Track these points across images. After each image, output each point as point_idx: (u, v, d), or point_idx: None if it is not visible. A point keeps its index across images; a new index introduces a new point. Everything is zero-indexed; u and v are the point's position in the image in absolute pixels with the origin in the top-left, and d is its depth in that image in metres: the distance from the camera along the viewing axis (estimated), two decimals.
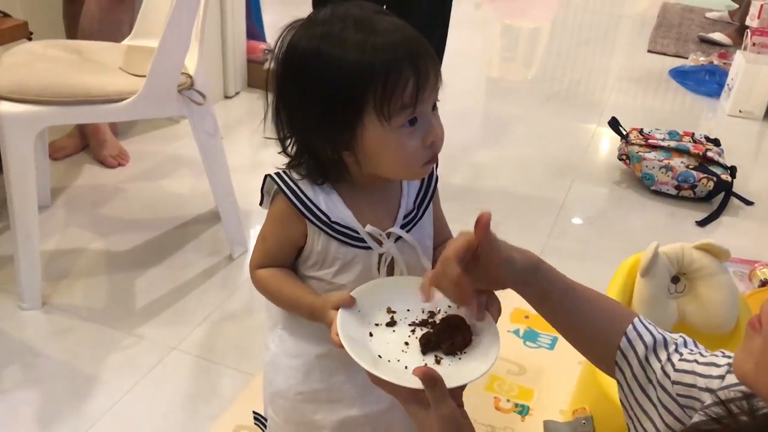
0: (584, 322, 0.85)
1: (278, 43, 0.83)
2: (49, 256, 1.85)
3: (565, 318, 0.86)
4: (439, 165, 0.95)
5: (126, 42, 1.89)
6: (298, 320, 0.93)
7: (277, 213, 0.89)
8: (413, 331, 0.83)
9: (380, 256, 0.89)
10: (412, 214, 0.92)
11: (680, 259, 1.36)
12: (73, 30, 2.22)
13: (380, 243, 0.89)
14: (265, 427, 1.06)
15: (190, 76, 1.67)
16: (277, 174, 0.88)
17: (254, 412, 1.10)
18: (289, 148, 0.88)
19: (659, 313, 1.35)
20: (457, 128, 2.84)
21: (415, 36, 0.82)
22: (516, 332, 1.69)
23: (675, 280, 1.38)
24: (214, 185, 1.79)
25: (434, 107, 0.85)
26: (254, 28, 3.00)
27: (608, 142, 2.69)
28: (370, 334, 0.82)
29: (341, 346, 0.77)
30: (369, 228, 0.88)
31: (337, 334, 0.78)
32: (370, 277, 0.90)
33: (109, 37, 1.95)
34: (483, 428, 1.42)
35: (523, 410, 1.48)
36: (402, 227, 0.91)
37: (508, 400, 1.51)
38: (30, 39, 1.98)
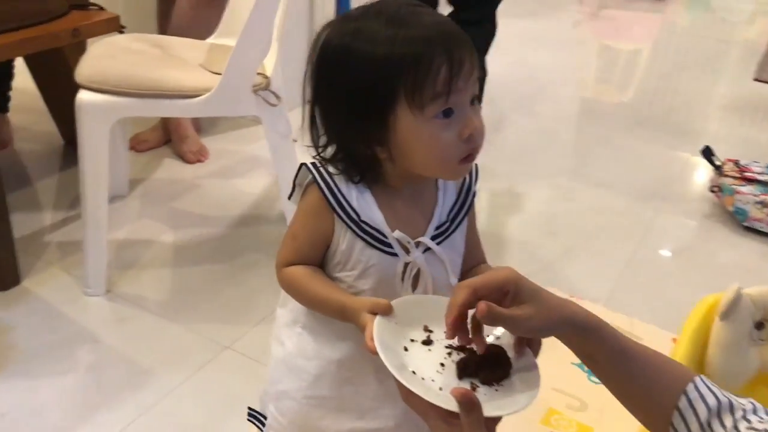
0: (636, 380, 0.77)
1: (314, 41, 0.81)
2: (119, 244, 1.89)
3: (614, 378, 0.79)
4: (478, 179, 0.92)
5: (210, 40, 1.91)
6: (320, 321, 0.90)
7: (308, 205, 0.86)
8: (450, 353, 0.79)
9: (406, 265, 0.86)
10: (445, 226, 0.89)
11: (767, 303, 1.24)
12: (165, 26, 2.27)
13: (407, 251, 0.85)
14: (263, 425, 1.02)
15: (267, 77, 1.66)
16: (313, 164, 0.86)
17: (249, 408, 1.07)
18: (324, 150, 0.86)
19: (738, 360, 1.24)
20: (543, 147, 2.76)
21: (450, 26, 0.79)
22: (581, 366, 1.59)
23: (759, 326, 1.27)
24: (282, 187, 1.78)
25: (474, 101, 0.81)
26: None
27: (701, 173, 2.54)
28: (405, 348, 0.78)
29: (375, 353, 0.73)
30: (398, 234, 0.84)
31: (372, 339, 0.74)
32: (392, 285, 0.86)
33: (198, 35, 1.98)
34: None
35: None
36: (432, 239, 0.87)
37: (558, 415, 1.42)
38: (122, 32, 2.03)
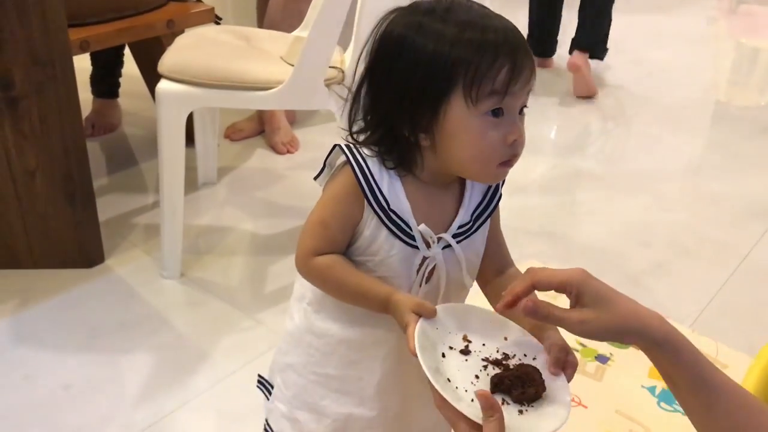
0: (717, 415, 0.71)
1: (377, 25, 0.81)
2: (200, 230, 1.95)
3: (694, 409, 0.74)
4: (504, 183, 0.90)
5: (295, 33, 1.93)
6: (325, 300, 0.90)
7: (340, 188, 0.84)
8: (485, 366, 0.79)
9: (424, 259, 0.85)
10: (467, 226, 0.88)
11: None
12: (263, 19, 2.32)
13: (428, 246, 0.85)
14: (270, 394, 1.02)
15: (342, 71, 1.66)
16: (347, 145, 0.84)
17: (259, 375, 1.06)
18: (360, 133, 0.84)
19: None
20: (650, 151, 2.60)
21: (518, 35, 0.79)
22: (651, 390, 1.48)
23: None
24: None
25: (522, 111, 0.81)
26: None
27: None
28: (443, 355, 0.78)
29: (414, 354, 0.74)
30: (423, 227, 0.84)
31: (413, 340, 0.75)
32: (407, 276, 0.86)
33: (291, 27, 2.01)
34: None
35: None
36: (453, 237, 0.86)
37: None
38: (218, 23, 2.09)
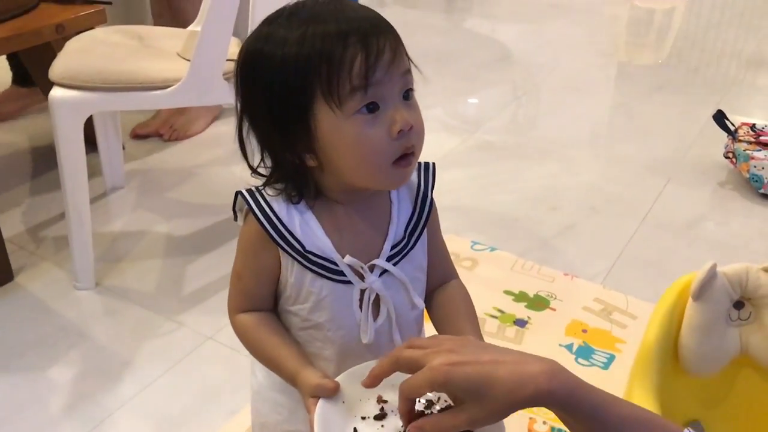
0: None
1: (240, 48, 0.78)
2: (114, 237, 1.91)
3: None
4: (434, 186, 0.85)
5: (191, 27, 1.90)
6: None
7: (249, 238, 0.80)
8: (405, 428, 0.72)
9: (363, 292, 0.80)
10: (402, 244, 0.82)
11: (743, 282, 1.17)
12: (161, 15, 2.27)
13: (362, 277, 0.80)
14: None
15: None
16: (249, 191, 0.80)
17: None
18: (256, 162, 0.80)
19: (715, 343, 1.17)
20: (554, 118, 2.68)
21: (370, 18, 0.73)
22: (569, 347, 1.54)
23: (738, 305, 1.20)
24: None
25: (408, 95, 0.75)
26: None
27: (718, 138, 2.42)
28: (355, 430, 0.73)
29: None
30: (349, 259, 0.78)
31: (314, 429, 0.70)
32: (350, 314, 0.80)
33: (178, 23, 1.99)
34: None
35: None
36: (389, 259, 0.81)
37: (544, 422, 1.37)
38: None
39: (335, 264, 0.79)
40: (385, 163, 0.73)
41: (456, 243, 1.84)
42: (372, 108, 0.72)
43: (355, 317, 0.81)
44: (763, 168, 2.06)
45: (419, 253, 0.84)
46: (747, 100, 2.86)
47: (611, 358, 1.51)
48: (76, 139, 1.56)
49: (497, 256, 1.82)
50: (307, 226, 0.78)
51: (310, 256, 0.78)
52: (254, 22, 1.60)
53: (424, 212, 0.84)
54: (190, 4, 2.01)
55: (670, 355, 1.20)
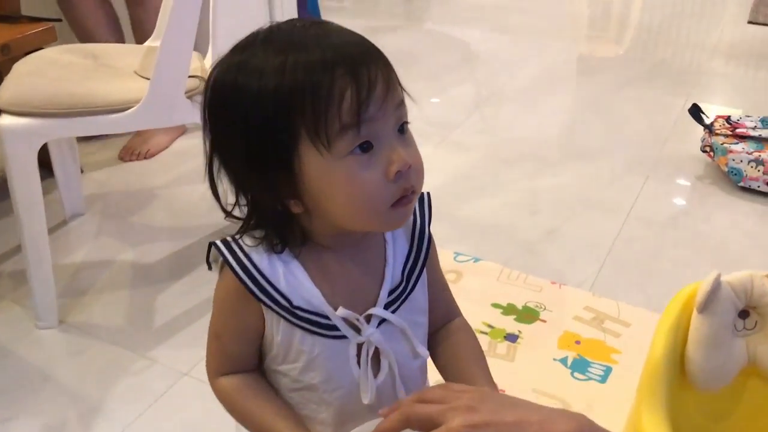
0: None
1: (206, 81, 0.68)
2: (76, 268, 1.80)
3: None
4: (432, 217, 0.77)
5: (148, 43, 1.80)
6: None
7: (226, 294, 0.71)
8: None
9: (360, 345, 0.72)
10: (400, 288, 0.74)
11: (748, 291, 1.12)
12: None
13: (359, 330, 0.71)
14: None
15: (204, 80, 1.55)
16: (224, 241, 0.71)
17: None
18: (233, 206, 0.71)
19: (723, 356, 1.12)
20: (525, 117, 2.62)
21: (358, 44, 0.65)
22: (563, 361, 1.48)
23: (743, 314, 1.15)
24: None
25: (403, 128, 0.66)
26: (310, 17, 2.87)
27: (693, 131, 2.40)
28: None
29: None
30: (342, 312, 0.69)
31: None
32: (347, 372, 0.72)
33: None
34: None
35: None
36: (387, 306, 0.73)
37: None
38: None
39: (327, 318, 0.70)
40: (383, 208, 0.65)
41: (438, 255, 1.77)
42: (366, 147, 0.63)
43: (353, 375, 0.73)
44: (741, 161, 2.03)
45: (419, 295, 0.76)
46: (716, 89, 2.85)
47: (608, 371, 1.45)
48: (29, 170, 1.45)
49: (482, 267, 1.76)
50: (293, 278, 0.70)
51: (299, 312, 0.70)
52: (215, 35, 1.52)
53: (422, 249, 0.76)
54: (146, 15, 1.90)
55: (677, 370, 1.15)
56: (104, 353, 1.53)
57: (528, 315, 1.60)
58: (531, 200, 2.07)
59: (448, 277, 1.74)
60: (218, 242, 0.71)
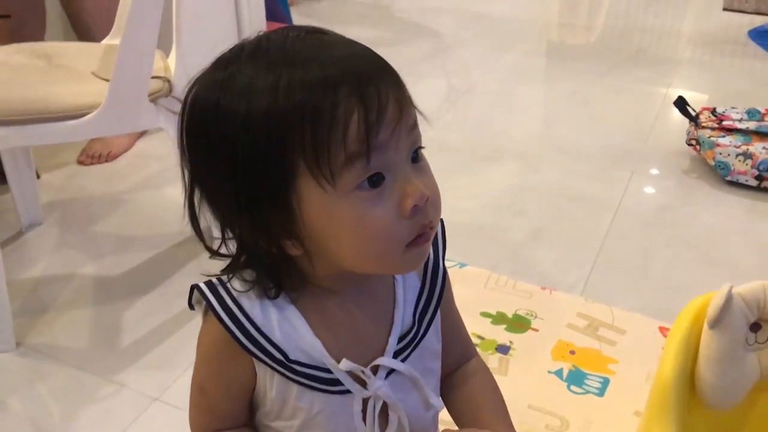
0: None
1: (185, 98, 0.58)
2: (34, 284, 1.67)
3: None
4: (446, 251, 0.68)
5: (105, 41, 1.67)
6: None
7: (210, 343, 0.62)
8: None
9: (366, 400, 0.63)
10: (412, 333, 0.65)
11: (761, 303, 1.05)
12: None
13: (364, 383, 0.62)
14: None
15: (168, 81, 1.44)
16: (209, 284, 0.61)
17: None
18: (219, 243, 0.62)
19: (735, 372, 1.05)
20: (504, 111, 2.54)
21: (363, 57, 0.55)
22: (558, 373, 1.41)
23: (755, 327, 1.08)
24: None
25: (417, 156, 0.58)
26: (279, 11, 2.75)
27: (677, 123, 2.34)
28: None
29: None
30: (346, 364, 0.61)
31: None
32: (352, 429, 0.63)
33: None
34: None
35: None
36: (396, 354, 0.64)
37: None
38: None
39: (329, 371, 0.61)
40: (398, 249, 0.57)
41: None
42: (376, 181, 0.54)
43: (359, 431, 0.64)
44: (728, 155, 1.97)
45: (432, 338, 0.68)
46: (697, 78, 2.80)
47: (606, 383, 1.38)
48: None
49: (468, 273, 1.67)
50: (289, 327, 0.60)
51: (296, 367, 0.60)
52: (180, 30, 1.41)
53: (435, 288, 0.67)
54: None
55: (687, 387, 1.08)
56: (67, 378, 1.42)
57: (519, 324, 1.52)
58: (514, 199, 1.99)
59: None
60: (202, 285, 0.61)
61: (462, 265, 1.70)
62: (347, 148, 0.52)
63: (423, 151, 0.60)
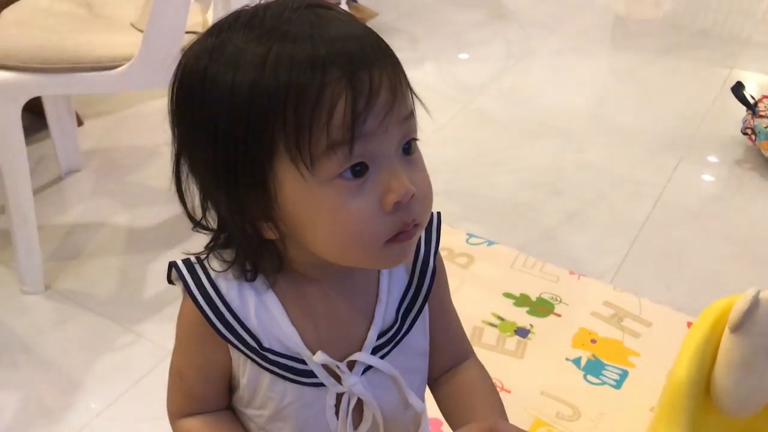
0: None
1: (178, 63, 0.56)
2: (68, 230, 1.71)
3: None
4: (438, 245, 0.64)
5: None
6: None
7: (187, 324, 0.61)
8: None
9: (340, 395, 0.61)
10: (393, 330, 0.62)
11: None
12: None
13: (339, 378, 0.60)
14: None
15: None
16: (187, 262, 0.60)
17: None
18: (201, 216, 0.60)
19: (755, 381, 1.01)
20: (554, 86, 2.46)
21: (360, 35, 0.51)
22: (576, 362, 1.37)
23: None
24: None
25: (409, 147, 0.54)
26: None
27: (734, 109, 2.22)
28: None
29: None
30: (321, 357, 0.58)
31: None
32: (322, 425, 0.61)
33: None
34: None
35: None
36: (376, 350, 0.61)
37: None
38: None
39: (303, 362, 0.59)
40: (376, 243, 0.53)
41: (450, 236, 1.66)
42: (359, 171, 0.51)
43: (330, 427, 0.62)
44: None
45: (418, 336, 0.65)
46: (763, 63, 2.65)
47: (624, 375, 1.34)
48: (12, 129, 1.35)
49: (496, 251, 1.64)
50: (266, 313, 0.59)
51: (269, 355, 0.59)
52: None
53: (423, 284, 0.63)
54: None
55: (702, 389, 1.04)
56: (89, 324, 1.45)
57: (542, 307, 1.49)
58: (553, 178, 1.94)
59: (459, 261, 1.65)
60: (179, 263, 0.60)
61: (490, 243, 1.66)
62: (330, 135, 0.49)
63: (421, 148, 0.56)
